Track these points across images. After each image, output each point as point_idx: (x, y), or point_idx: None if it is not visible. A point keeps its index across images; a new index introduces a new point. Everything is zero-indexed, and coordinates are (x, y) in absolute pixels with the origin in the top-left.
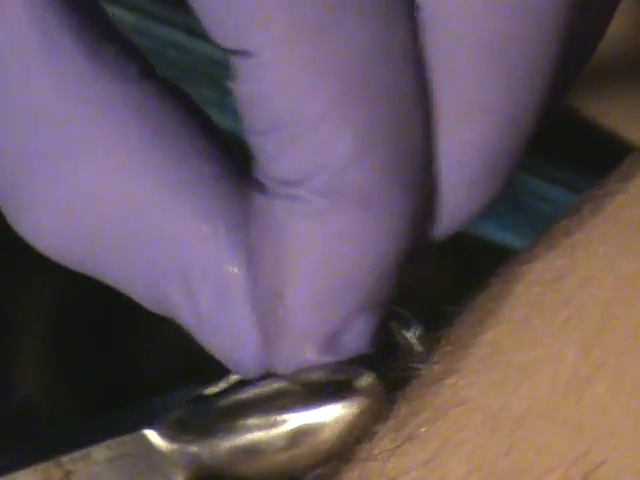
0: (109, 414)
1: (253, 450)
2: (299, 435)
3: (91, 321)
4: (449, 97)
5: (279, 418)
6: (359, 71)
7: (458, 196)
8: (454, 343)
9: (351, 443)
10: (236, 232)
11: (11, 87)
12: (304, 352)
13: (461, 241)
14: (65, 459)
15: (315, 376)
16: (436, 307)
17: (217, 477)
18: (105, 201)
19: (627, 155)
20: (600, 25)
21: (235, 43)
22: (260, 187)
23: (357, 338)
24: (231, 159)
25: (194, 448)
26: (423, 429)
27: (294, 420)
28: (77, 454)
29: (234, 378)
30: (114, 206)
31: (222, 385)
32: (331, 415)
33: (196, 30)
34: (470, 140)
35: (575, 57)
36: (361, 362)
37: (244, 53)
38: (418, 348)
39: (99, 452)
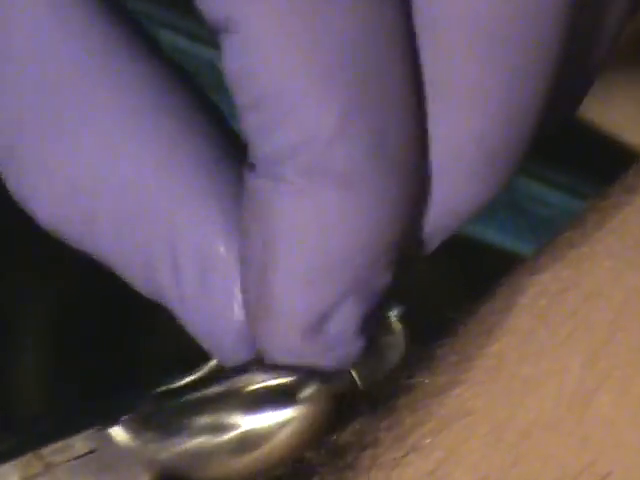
0: (92, 405)
1: (202, 453)
2: (247, 439)
3: (91, 321)
4: (445, 82)
5: (228, 422)
6: (345, 49)
7: (455, 188)
8: (459, 353)
9: (301, 449)
10: (229, 214)
11: (14, 50)
12: (289, 337)
13: (461, 244)
14: (45, 451)
15: (264, 381)
16: (435, 310)
17: (177, 477)
18: (103, 172)
19: (626, 157)
20: (606, 35)
21: (220, 14)
22: (250, 167)
23: (344, 326)
24: (231, 142)
25: (153, 446)
26: (428, 439)
27: (242, 424)
28: (57, 446)
29: (205, 370)
30: (111, 179)
31: (188, 380)
32: (279, 420)
33: (199, 35)
34: (468, 128)
35: (581, 64)
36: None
37: (230, 28)
38: (397, 327)
39: (80, 444)
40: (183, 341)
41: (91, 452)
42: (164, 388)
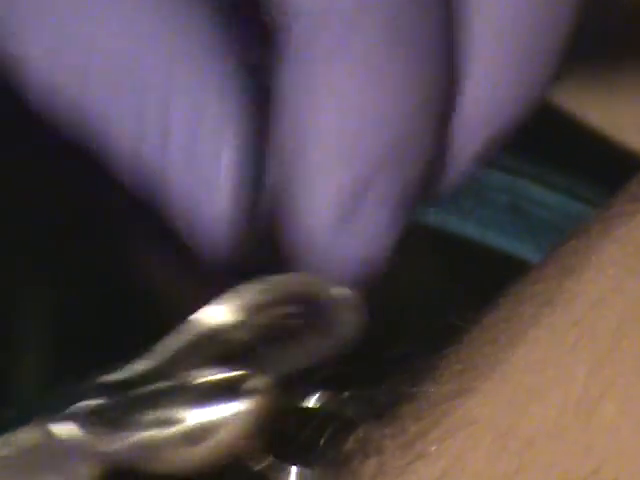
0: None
1: (151, 446)
2: (195, 432)
3: (91, 325)
4: None
5: (176, 415)
6: None
7: (485, 91)
8: (464, 362)
9: (248, 440)
10: (230, 77)
11: None
12: (319, 225)
13: (459, 246)
14: None
15: (210, 375)
16: (434, 312)
17: (122, 471)
18: (95, 25)
19: (627, 160)
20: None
21: None
22: (280, 23)
23: (376, 212)
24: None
25: (102, 440)
26: (433, 448)
27: (190, 418)
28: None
29: (141, 365)
30: (104, 31)
31: (128, 372)
32: (225, 414)
33: None
34: (503, 17)
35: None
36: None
37: None
38: (349, 303)
39: (22, 438)
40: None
41: (34, 447)
42: (110, 379)
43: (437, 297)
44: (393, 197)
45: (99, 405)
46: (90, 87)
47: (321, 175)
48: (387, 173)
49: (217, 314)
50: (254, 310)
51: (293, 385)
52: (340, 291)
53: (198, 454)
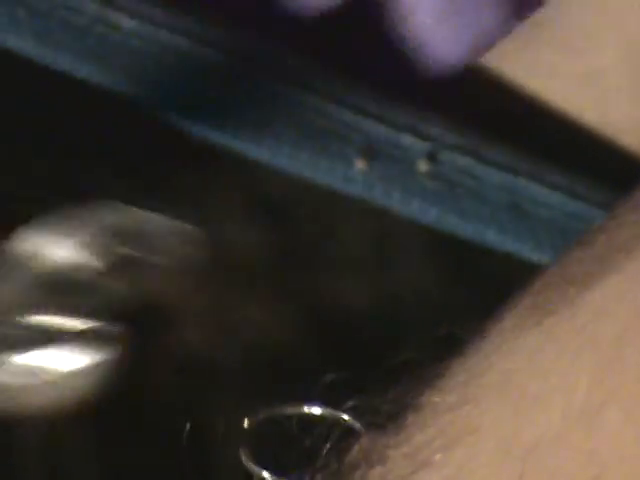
0: None
1: (10, 390)
2: (51, 380)
3: None
4: None
5: (34, 364)
6: None
7: None
8: (468, 372)
9: (100, 390)
10: None
11: None
12: (424, 10)
13: (460, 246)
14: None
15: (69, 326)
16: (435, 313)
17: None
18: None
19: (626, 160)
20: None
21: None
22: None
23: (478, 6)
24: None
25: None
26: (437, 456)
27: (48, 366)
28: None
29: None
30: None
31: None
32: (79, 364)
33: (197, 35)
34: None
35: None
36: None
37: None
38: None
39: None
40: (185, 347)
41: None
42: None
43: (437, 297)
44: None
45: None
46: None
47: None
48: None
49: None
50: (89, 247)
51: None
52: (167, 224)
53: (53, 398)
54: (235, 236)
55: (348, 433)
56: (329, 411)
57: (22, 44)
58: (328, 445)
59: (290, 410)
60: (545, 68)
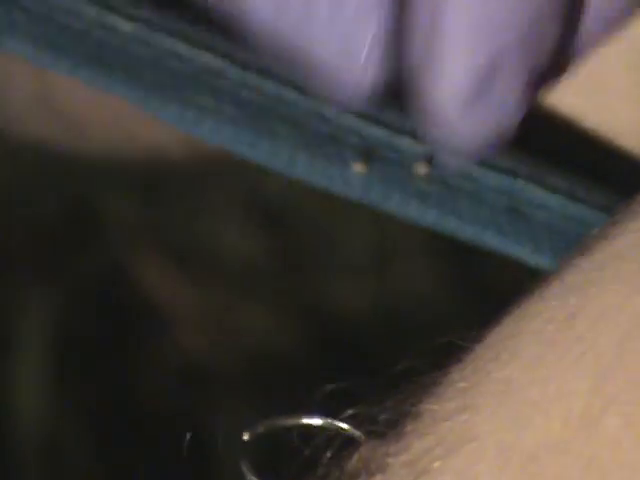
0: None
1: None
2: None
3: (92, 337)
4: None
5: None
6: None
7: None
8: (467, 379)
9: None
10: None
11: None
12: (452, 90)
13: (460, 249)
14: None
15: None
16: (435, 316)
17: None
18: None
19: (625, 162)
20: None
21: None
22: None
23: (506, 88)
24: None
25: None
26: (437, 463)
27: None
28: None
29: None
30: None
31: None
32: None
33: (195, 39)
34: None
35: None
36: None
37: None
38: None
39: None
40: (183, 359)
41: None
42: None
43: (436, 300)
44: (523, 75)
45: None
46: None
47: (455, 50)
48: (519, 52)
49: None
50: None
51: None
52: None
53: None
54: (233, 239)
55: (348, 442)
56: (329, 421)
57: (21, 48)
58: (328, 454)
59: (290, 422)
60: None
